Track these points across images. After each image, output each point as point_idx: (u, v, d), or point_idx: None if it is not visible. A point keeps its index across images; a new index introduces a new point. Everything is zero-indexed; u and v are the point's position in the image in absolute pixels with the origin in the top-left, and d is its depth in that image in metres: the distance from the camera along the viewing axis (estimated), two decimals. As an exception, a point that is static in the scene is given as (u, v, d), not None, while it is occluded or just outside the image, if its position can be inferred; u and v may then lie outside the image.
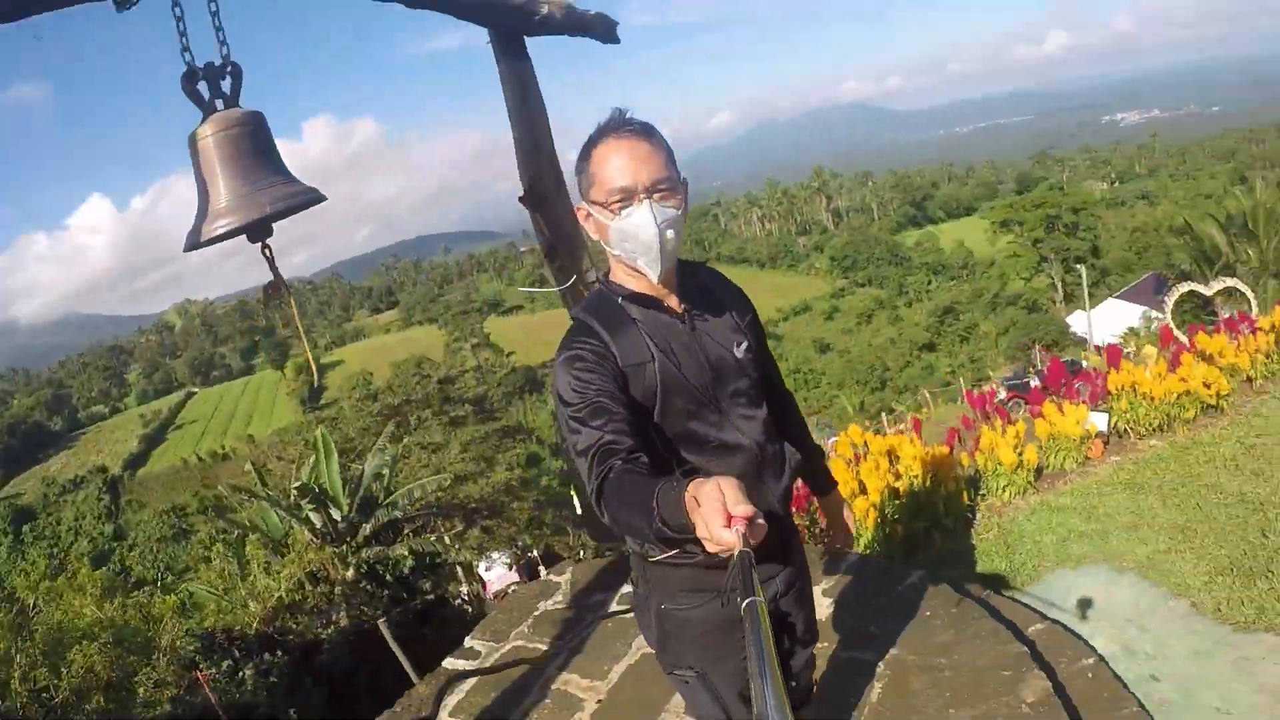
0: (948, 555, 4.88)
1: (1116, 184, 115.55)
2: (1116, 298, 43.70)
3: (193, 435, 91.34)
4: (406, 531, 11.26)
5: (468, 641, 4.20)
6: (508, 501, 18.49)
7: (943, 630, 3.30)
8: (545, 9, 3.95)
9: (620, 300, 1.77)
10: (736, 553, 1.13)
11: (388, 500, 11.31)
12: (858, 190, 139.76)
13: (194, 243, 2.24)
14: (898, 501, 5.16)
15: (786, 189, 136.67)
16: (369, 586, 10.10)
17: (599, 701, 3.40)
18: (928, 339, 62.52)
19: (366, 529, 10.62)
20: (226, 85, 2.27)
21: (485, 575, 19.37)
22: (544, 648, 3.94)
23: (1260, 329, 6.51)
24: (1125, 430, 5.78)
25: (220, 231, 2.21)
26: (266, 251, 2.39)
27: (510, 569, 19.93)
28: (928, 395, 35.42)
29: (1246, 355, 6.21)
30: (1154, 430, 5.72)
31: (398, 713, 3.66)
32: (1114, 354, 6.50)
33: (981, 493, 5.43)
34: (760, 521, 1.17)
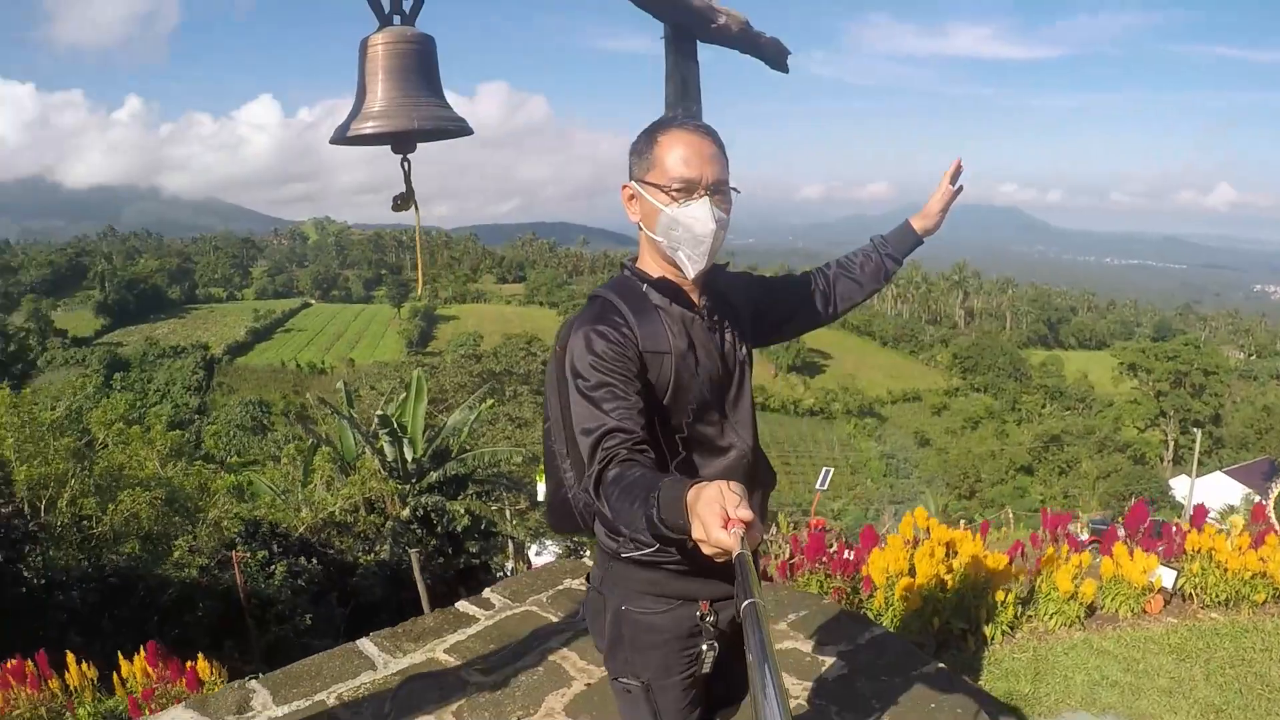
0: (974, 662, 4.72)
1: (1254, 356, 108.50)
2: (1225, 472, 41.61)
3: (298, 342, 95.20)
4: (471, 492, 11.42)
5: (486, 592, 4.28)
6: (577, 497, 18.87)
7: (943, 726, 3.20)
8: (723, 19, 4.03)
9: (645, 287, 1.76)
10: (734, 555, 1.12)
11: (461, 455, 11.46)
12: (996, 294, 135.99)
13: (341, 136, 2.37)
14: (944, 595, 5.02)
15: (926, 275, 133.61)
16: (419, 530, 10.26)
17: (588, 684, 3.42)
18: (1028, 461, 59.89)
19: (433, 476, 10.80)
20: (408, 4, 2.40)
21: (534, 558, 19.67)
22: (554, 619, 3.99)
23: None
24: (1190, 594, 5.49)
25: (368, 131, 2.33)
26: (405, 164, 2.51)
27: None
28: (1011, 515, 34.10)
29: (1342, 557, 5.79)
30: (1219, 603, 5.41)
31: (398, 632, 3.77)
32: (1199, 514, 6.16)
33: (1029, 613, 5.23)
34: (759, 528, 1.17)
